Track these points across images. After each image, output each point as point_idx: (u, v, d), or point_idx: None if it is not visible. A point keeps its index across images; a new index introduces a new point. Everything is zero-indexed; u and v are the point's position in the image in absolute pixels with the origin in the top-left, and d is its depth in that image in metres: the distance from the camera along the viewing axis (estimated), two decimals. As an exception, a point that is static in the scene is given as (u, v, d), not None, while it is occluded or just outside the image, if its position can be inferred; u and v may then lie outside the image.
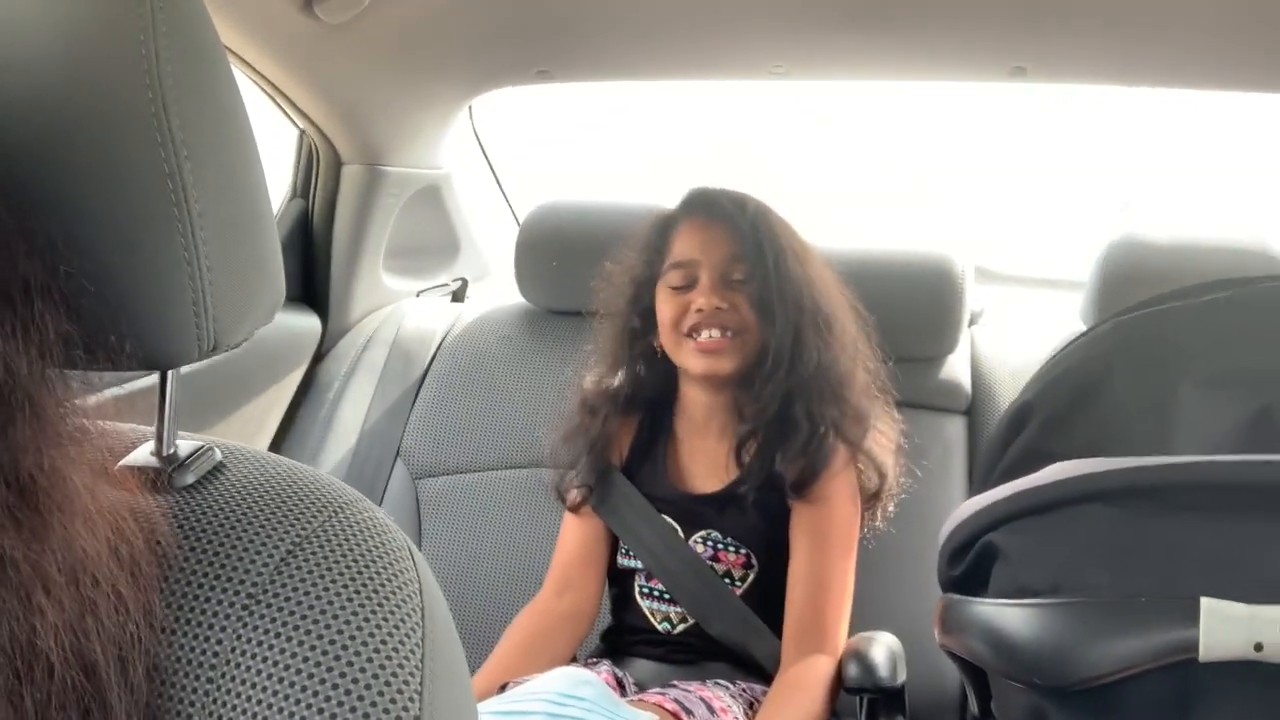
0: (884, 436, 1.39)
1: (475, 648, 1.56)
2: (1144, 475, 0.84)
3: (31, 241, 0.45)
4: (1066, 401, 0.95)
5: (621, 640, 1.40)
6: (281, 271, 0.58)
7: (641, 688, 1.30)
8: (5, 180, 0.45)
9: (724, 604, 1.32)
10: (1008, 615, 0.87)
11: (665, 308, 1.35)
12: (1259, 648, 0.76)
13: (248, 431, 1.77)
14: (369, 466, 1.76)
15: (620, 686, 1.30)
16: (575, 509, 1.41)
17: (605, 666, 1.32)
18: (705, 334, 1.31)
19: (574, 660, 1.37)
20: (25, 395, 0.44)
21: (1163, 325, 0.95)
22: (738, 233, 1.33)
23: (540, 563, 1.63)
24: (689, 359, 1.33)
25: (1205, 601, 0.76)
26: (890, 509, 1.39)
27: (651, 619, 1.37)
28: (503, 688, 1.23)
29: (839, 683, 1.25)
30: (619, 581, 1.42)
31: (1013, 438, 0.97)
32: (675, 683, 1.28)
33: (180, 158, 0.48)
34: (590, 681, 1.16)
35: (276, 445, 1.83)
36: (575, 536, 1.43)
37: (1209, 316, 0.93)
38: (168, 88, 0.47)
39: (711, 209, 1.37)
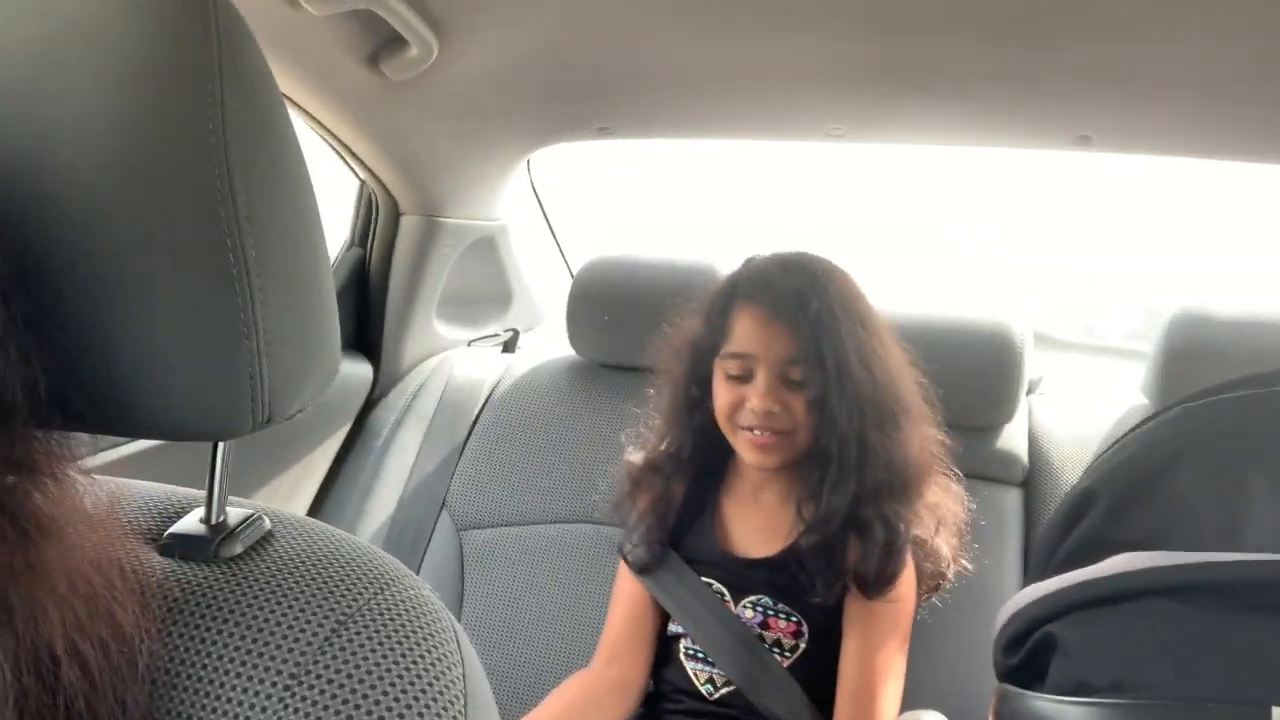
0: (953, 517, 1.35)
1: (515, 701, 1.55)
2: (1213, 571, 0.81)
3: (79, 312, 0.46)
4: (1130, 489, 0.91)
5: (660, 706, 1.38)
6: (338, 343, 0.57)
7: (680, 756, 1.28)
8: (67, 252, 0.45)
9: (770, 676, 1.29)
10: (1066, 713, 0.83)
11: (721, 394, 1.33)
12: (1333, 760, 0.72)
13: (296, 476, 1.78)
14: (415, 516, 1.76)
15: None
16: (643, 570, 1.39)
17: None
18: (758, 432, 1.29)
19: None
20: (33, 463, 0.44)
21: (1232, 414, 0.92)
22: (797, 333, 1.28)
23: (583, 618, 1.62)
24: (742, 447, 1.32)
25: (1277, 712, 0.73)
26: (947, 588, 1.37)
27: (695, 680, 1.34)
28: None
29: None
30: (665, 643, 1.40)
31: (1073, 524, 0.94)
32: (716, 753, 1.25)
33: (244, 234, 0.48)
34: None
35: (324, 491, 1.84)
36: (623, 610, 1.42)
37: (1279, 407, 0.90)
38: (234, 164, 0.47)
39: (775, 304, 1.30)
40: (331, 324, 0.56)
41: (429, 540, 1.74)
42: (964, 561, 1.37)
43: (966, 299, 1.71)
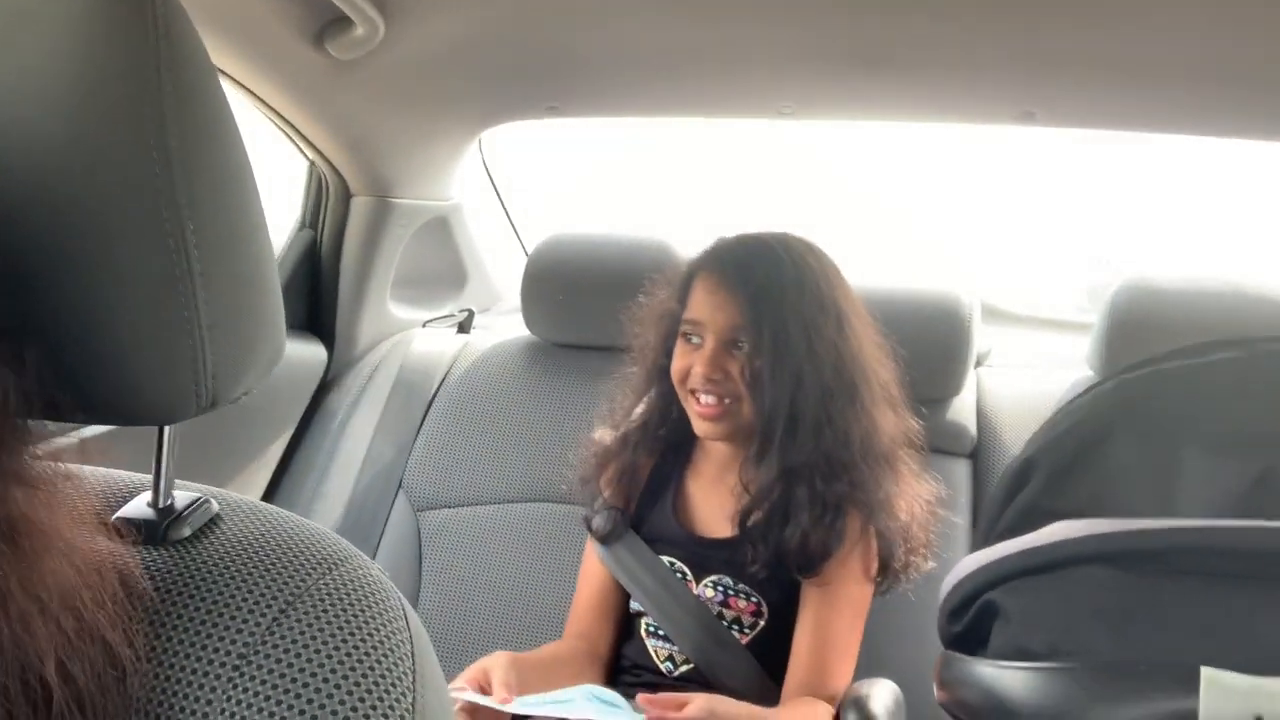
0: (907, 501, 1.33)
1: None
2: (1146, 538, 0.84)
3: (23, 291, 0.45)
4: (1068, 459, 0.94)
5: (621, 679, 1.40)
6: (283, 327, 0.58)
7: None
8: (8, 238, 0.45)
9: (728, 654, 1.32)
10: (1007, 677, 0.86)
11: (676, 359, 1.35)
12: None
13: (252, 459, 1.77)
14: (371, 498, 1.76)
15: None
16: (605, 539, 1.40)
17: None
18: (703, 398, 1.31)
19: None
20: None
21: (1167, 384, 0.94)
22: (741, 302, 1.30)
23: (541, 596, 1.63)
24: (693, 418, 1.35)
25: (1205, 671, 0.75)
26: (914, 577, 1.35)
27: (655, 657, 1.36)
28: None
29: None
30: (628, 620, 1.42)
31: (1015, 494, 0.96)
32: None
33: (184, 217, 0.48)
34: (617, 702, 1.17)
35: (280, 474, 1.83)
36: (588, 588, 1.44)
37: (1211, 378, 0.92)
38: (172, 147, 0.47)
39: (723, 274, 1.33)
40: (275, 308, 0.56)
41: (386, 522, 1.75)
42: (925, 559, 1.34)
43: (914, 272, 1.74)
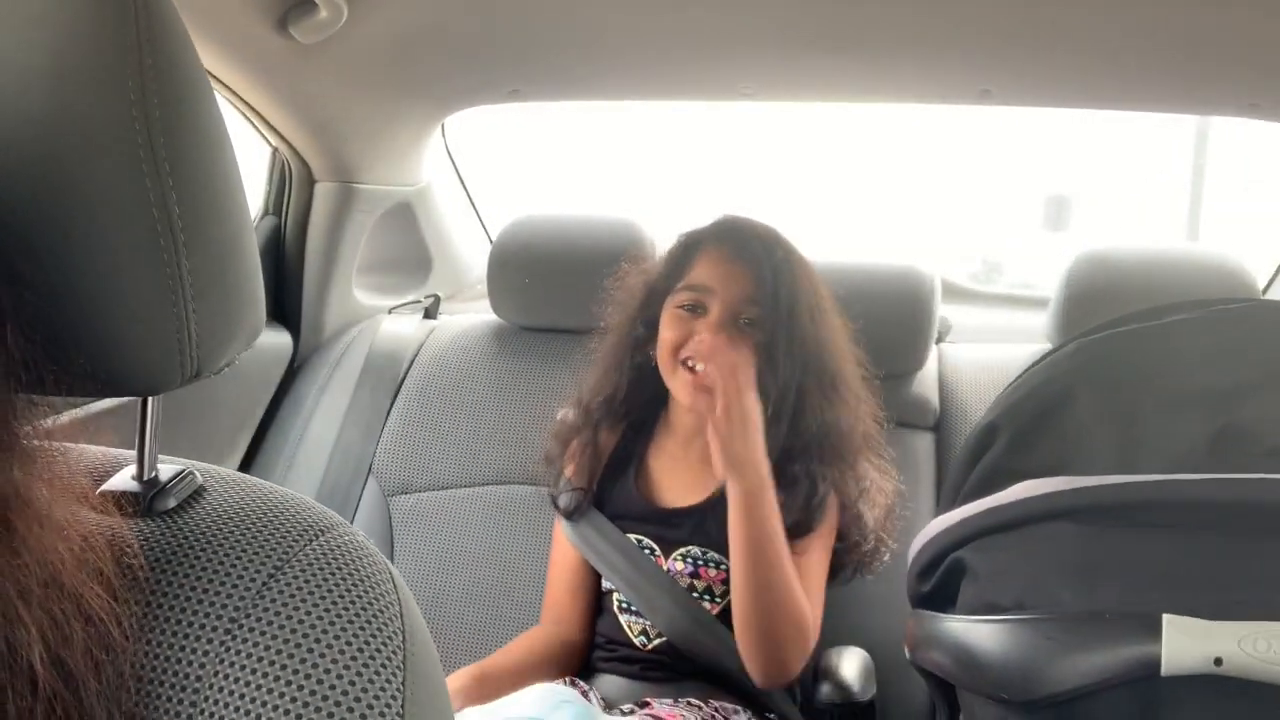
0: (881, 494, 1.36)
1: (448, 665, 1.56)
2: (1107, 494, 0.86)
3: (6, 269, 0.46)
4: (1031, 421, 0.97)
5: (596, 654, 1.41)
6: (263, 297, 0.58)
7: (610, 705, 1.30)
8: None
9: (700, 625, 1.32)
10: (975, 632, 0.89)
11: (668, 330, 1.34)
12: (1218, 662, 0.78)
13: (219, 449, 1.76)
14: (341, 484, 1.76)
15: None
16: (570, 515, 1.41)
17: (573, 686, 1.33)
18: (700, 368, 1.29)
19: None
20: None
21: (1125, 346, 0.97)
22: (758, 275, 1.31)
23: (511, 579, 1.64)
24: (680, 389, 1.33)
25: (1167, 618, 0.78)
26: (876, 569, 1.38)
27: (629, 632, 1.37)
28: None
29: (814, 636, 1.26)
30: (600, 597, 1.43)
31: (979, 457, 0.99)
32: (648, 700, 1.28)
33: (166, 186, 0.48)
34: (570, 700, 1.17)
35: (248, 463, 1.82)
36: (559, 572, 1.45)
37: (1170, 338, 0.95)
38: (153, 117, 0.48)
39: (740, 246, 1.34)
40: (255, 279, 0.57)
41: (357, 507, 1.74)
42: (890, 543, 1.37)
43: (875, 249, 1.76)
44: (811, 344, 1.31)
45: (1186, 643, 0.77)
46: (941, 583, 0.98)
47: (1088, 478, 0.88)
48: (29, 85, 0.46)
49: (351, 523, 1.72)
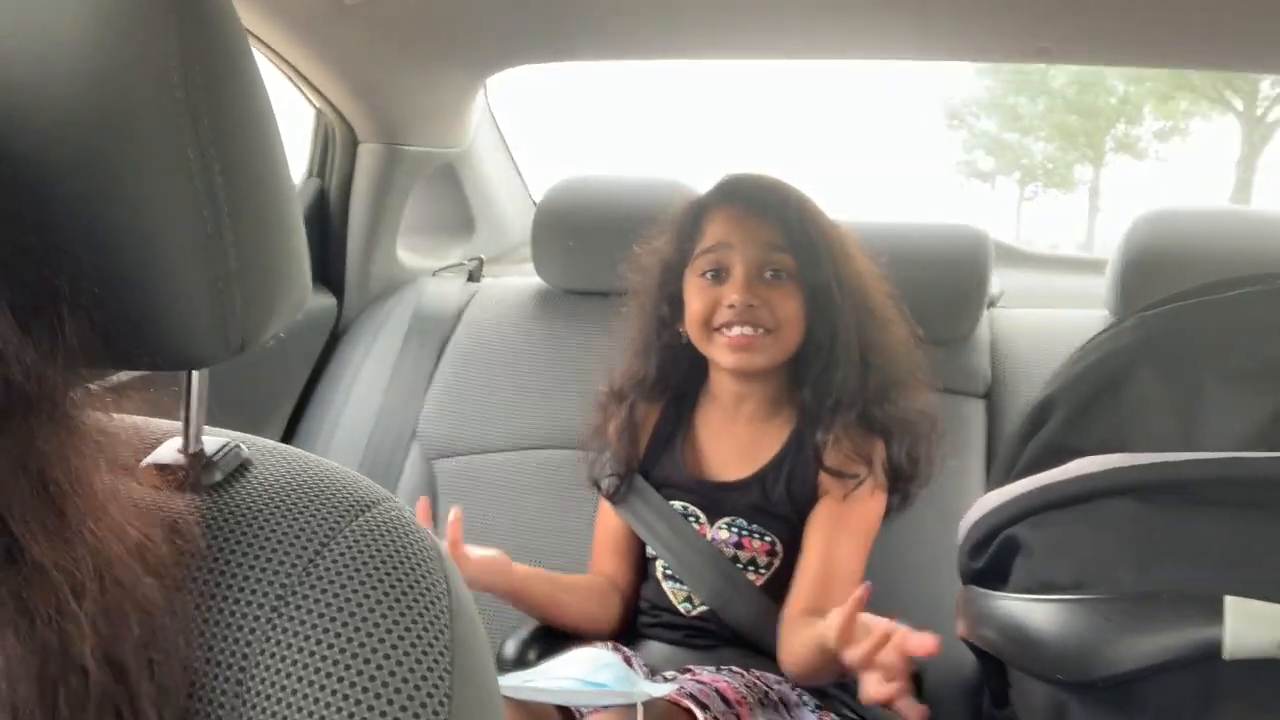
0: (929, 423, 1.34)
1: (492, 628, 1.57)
2: (1169, 471, 0.84)
3: (59, 251, 0.45)
4: (1089, 397, 0.94)
5: (640, 619, 1.41)
6: (308, 269, 0.57)
7: (654, 671, 1.31)
8: (33, 190, 0.45)
9: (742, 595, 1.32)
10: (1030, 611, 0.87)
11: (694, 301, 1.32)
12: (1283, 645, 0.76)
13: (263, 413, 1.77)
14: (385, 447, 1.76)
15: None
16: (612, 497, 1.41)
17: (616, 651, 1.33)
18: (737, 330, 1.28)
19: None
20: (51, 403, 0.44)
21: (1188, 320, 0.94)
22: (782, 223, 1.28)
23: (553, 543, 1.64)
24: (719, 353, 1.31)
25: (1230, 600, 0.76)
26: (924, 482, 1.35)
27: (673, 599, 1.37)
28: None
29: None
30: (645, 563, 1.43)
31: (1035, 432, 0.97)
32: (690, 667, 1.28)
33: (209, 160, 0.47)
34: (611, 664, 1.17)
35: (292, 426, 1.84)
36: (604, 534, 1.45)
37: (1235, 312, 0.92)
38: (195, 92, 0.47)
39: (750, 201, 1.31)
40: (300, 250, 0.56)
41: (400, 471, 1.75)
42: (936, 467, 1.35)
43: (927, 212, 1.72)
44: (866, 280, 1.29)
45: (1250, 625, 0.75)
46: (994, 560, 0.96)
47: (1148, 454, 0.86)
48: (69, 66, 0.45)
49: (395, 486, 1.74)
